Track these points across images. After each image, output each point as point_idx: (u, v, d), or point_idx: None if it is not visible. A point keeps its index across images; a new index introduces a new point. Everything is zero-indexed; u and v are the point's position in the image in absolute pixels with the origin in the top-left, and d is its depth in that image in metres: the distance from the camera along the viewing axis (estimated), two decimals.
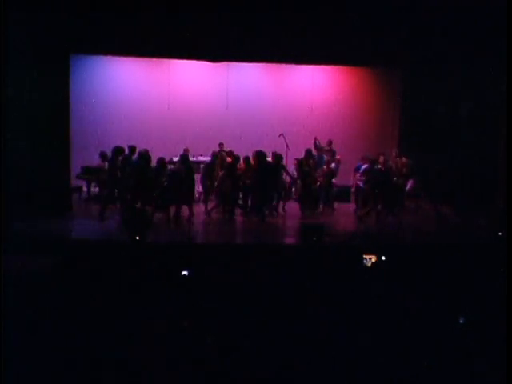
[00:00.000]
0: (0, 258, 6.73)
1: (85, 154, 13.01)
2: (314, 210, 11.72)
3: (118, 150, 10.97)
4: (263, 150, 12.00)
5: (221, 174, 11.21)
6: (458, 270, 7.47)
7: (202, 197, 11.88)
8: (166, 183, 10.83)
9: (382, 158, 11.95)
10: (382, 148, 13.46)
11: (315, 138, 13.06)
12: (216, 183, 11.22)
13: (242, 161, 11.67)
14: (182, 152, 11.81)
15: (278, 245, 9.89)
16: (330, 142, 13.13)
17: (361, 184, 11.88)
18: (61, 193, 11.11)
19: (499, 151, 11.78)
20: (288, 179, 12.27)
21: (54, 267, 7.54)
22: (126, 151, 11.08)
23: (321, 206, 11.94)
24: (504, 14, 8.82)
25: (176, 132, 13.57)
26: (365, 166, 11.86)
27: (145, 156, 10.91)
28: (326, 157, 12.57)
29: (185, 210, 10.93)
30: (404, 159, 12.66)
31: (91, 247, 8.90)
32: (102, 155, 11.53)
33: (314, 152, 12.58)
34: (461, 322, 5.84)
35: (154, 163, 11.09)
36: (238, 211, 11.38)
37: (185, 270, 7.23)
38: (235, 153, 12.02)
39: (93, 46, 11.31)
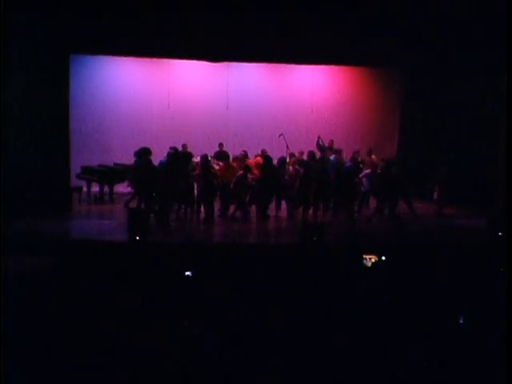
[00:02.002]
0: (0, 258, 6.73)
1: (85, 154, 13.04)
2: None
3: (144, 151, 11.02)
4: (263, 150, 12.04)
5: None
6: (458, 270, 7.46)
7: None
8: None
9: (357, 155, 11.93)
10: (382, 147, 13.52)
11: (319, 137, 12.96)
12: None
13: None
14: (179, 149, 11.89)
15: (278, 245, 9.88)
16: (331, 142, 13.06)
17: None
18: (61, 193, 11.11)
19: (499, 151, 11.78)
20: None
21: (53, 267, 7.54)
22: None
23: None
24: (504, 13, 8.83)
25: (176, 132, 13.57)
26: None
27: (174, 156, 10.96)
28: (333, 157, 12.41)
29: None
30: (374, 157, 12.58)
31: (91, 247, 8.90)
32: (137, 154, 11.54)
33: (317, 152, 12.47)
34: (461, 321, 5.84)
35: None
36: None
37: (187, 271, 7.22)
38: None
39: (93, 46, 11.31)
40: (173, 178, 10.52)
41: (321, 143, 12.93)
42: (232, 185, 11.00)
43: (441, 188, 11.91)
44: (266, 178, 11.08)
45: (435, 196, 12.14)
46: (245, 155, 12.14)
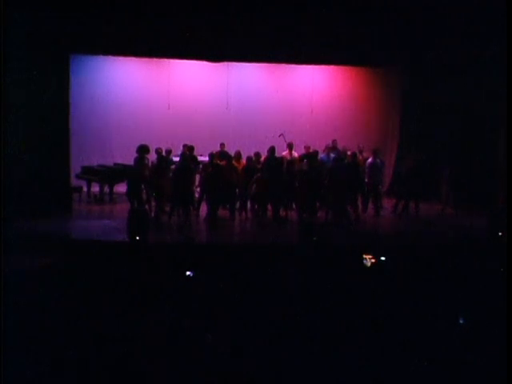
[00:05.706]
0: (0, 258, 6.73)
1: (85, 154, 13.05)
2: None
3: (143, 149, 11.06)
4: (263, 150, 12.02)
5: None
6: (457, 270, 7.46)
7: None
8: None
9: (349, 153, 11.90)
10: (382, 147, 13.52)
11: (334, 141, 12.84)
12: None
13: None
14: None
15: (278, 245, 9.87)
16: (334, 142, 13.02)
17: None
18: (61, 193, 11.12)
19: (499, 151, 11.79)
20: None
21: (53, 267, 7.54)
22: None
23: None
24: (504, 13, 8.83)
25: (176, 132, 13.58)
26: None
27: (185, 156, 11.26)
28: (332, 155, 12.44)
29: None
30: (365, 155, 12.55)
31: (91, 247, 8.90)
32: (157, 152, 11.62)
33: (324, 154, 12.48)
34: (461, 322, 5.84)
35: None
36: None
37: (188, 271, 7.22)
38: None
39: (93, 46, 11.32)
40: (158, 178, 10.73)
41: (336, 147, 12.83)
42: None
43: (447, 188, 11.88)
44: (268, 173, 11.01)
45: (443, 195, 12.10)
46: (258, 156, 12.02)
